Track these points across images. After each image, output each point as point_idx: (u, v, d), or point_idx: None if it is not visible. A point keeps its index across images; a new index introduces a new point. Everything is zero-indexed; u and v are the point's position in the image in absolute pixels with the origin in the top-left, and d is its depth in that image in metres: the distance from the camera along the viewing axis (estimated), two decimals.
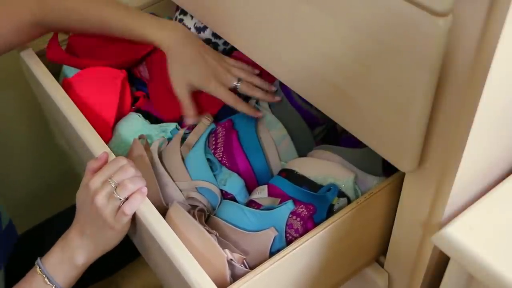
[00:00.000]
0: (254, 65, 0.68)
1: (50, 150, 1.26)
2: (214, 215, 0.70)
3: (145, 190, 0.64)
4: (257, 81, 0.81)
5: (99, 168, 0.67)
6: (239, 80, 0.80)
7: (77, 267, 0.68)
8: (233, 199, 0.72)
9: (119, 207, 0.64)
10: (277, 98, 0.80)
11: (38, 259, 0.69)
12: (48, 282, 0.67)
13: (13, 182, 1.25)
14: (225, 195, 0.72)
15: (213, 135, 0.76)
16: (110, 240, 0.67)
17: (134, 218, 0.66)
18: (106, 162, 0.68)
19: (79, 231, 0.67)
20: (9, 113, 1.16)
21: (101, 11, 0.81)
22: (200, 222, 0.65)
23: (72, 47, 0.93)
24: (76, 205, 0.68)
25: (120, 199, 0.63)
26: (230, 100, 0.78)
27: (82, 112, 0.77)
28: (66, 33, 0.91)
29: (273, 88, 0.81)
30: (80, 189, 0.68)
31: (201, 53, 0.80)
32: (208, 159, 0.73)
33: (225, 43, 0.92)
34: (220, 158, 0.74)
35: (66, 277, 0.68)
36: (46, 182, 1.32)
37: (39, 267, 0.68)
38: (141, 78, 0.92)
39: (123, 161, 0.66)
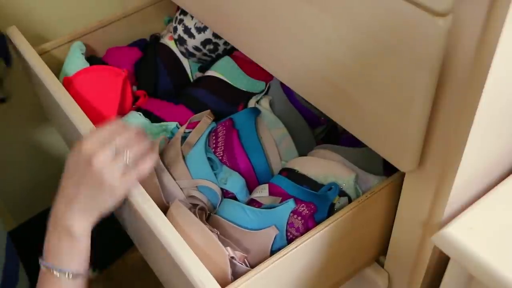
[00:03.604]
0: (253, 64, 0.68)
1: (46, 144, 1.27)
2: (215, 213, 0.70)
3: (155, 154, 0.59)
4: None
5: None
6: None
7: (79, 240, 0.62)
8: (234, 198, 0.72)
9: (125, 171, 0.59)
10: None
11: (39, 259, 0.65)
12: (59, 275, 0.62)
13: (9, 175, 1.26)
14: (225, 194, 0.73)
15: (214, 134, 0.77)
16: (106, 204, 0.61)
17: (135, 215, 0.66)
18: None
19: (66, 202, 0.61)
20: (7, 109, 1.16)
21: None
22: (201, 221, 0.65)
23: None
24: (64, 173, 0.61)
25: (126, 161, 0.58)
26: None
27: (83, 111, 0.77)
28: None
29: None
30: (71, 153, 0.61)
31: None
32: (208, 158, 0.74)
33: (225, 43, 0.93)
34: (220, 157, 0.74)
35: (74, 256, 0.62)
36: (42, 176, 1.32)
37: (44, 266, 0.64)
38: None
39: (119, 122, 0.60)
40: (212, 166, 0.73)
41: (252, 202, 0.70)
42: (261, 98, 0.84)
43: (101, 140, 0.59)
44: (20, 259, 0.88)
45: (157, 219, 0.62)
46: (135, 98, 0.89)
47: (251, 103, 0.84)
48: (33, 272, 0.92)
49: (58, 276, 0.62)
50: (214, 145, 0.75)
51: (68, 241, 0.62)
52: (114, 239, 0.97)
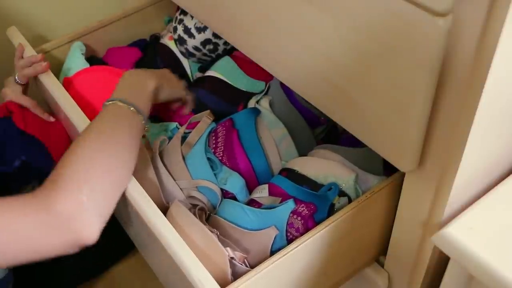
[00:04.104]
0: (253, 64, 0.69)
1: None
2: (215, 214, 0.70)
3: None
4: None
5: None
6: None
7: (149, 91, 0.73)
8: (234, 198, 0.72)
9: None
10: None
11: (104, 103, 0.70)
12: (125, 105, 0.68)
13: None
14: (225, 194, 0.73)
15: (213, 134, 0.77)
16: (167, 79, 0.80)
17: (135, 216, 0.66)
18: None
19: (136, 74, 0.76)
20: None
21: None
22: (201, 221, 0.65)
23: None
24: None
25: None
26: None
27: (83, 111, 0.77)
28: None
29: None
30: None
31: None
32: (208, 158, 0.74)
33: (225, 43, 0.93)
34: (220, 157, 0.74)
35: (143, 98, 0.72)
36: None
37: (109, 101, 0.69)
38: None
39: None
40: (212, 167, 0.73)
41: (252, 203, 0.70)
42: (261, 98, 0.84)
43: None
44: None
45: (157, 220, 0.62)
46: None
47: (251, 103, 0.84)
48: (30, 271, 0.92)
49: (122, 105, 0.68)
50: (214, 145, 0.75)
51: (140, 88, 0.73)
52: (116, 242, 0.97)
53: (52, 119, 0.89)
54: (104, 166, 0.61)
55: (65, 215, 0.56)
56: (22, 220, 0.56)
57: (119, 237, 0.89)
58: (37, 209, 0.56)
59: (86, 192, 0.58)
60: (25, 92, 0.90)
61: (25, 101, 0.88)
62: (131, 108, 0.68)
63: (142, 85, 0.74)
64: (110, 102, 0.69)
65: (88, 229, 0.58)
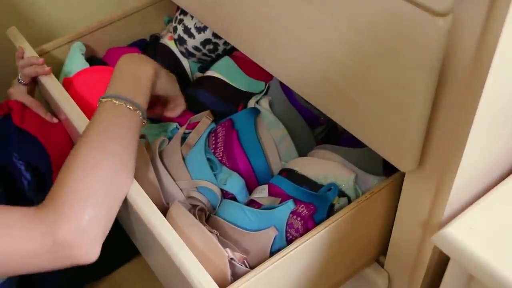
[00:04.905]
0: (253, 64, 0.69)
1: None
2: (215, 214, 0.70)
3: None
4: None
5: None
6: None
7: (144, 79, 0.71)
8: (234, 198, 0.72)
9: None
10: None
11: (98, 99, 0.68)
12: (120, 102, 0.66)
13: None
14: (225, 195, 0.72)
15: (213, 134, 0.77)
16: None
17: (135, 217, 0.66)
18: None
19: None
20: None
21: None
22: (201, 222, 0.65)
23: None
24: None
25: None
26: None
27: (83, 111, 0.77)
28: None
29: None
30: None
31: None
32: (208, 159, 0.73)
33: (225, 43, 0.93)
34: (220, 158, 0.74)
35: (138, 90, 0.69)
36: None
37: (104, 98, 0.67)
38: None
39: None
40: (211, 167, 0.73)
41: (252, 203, 0.70)
42: (260, 98, 0.84)
43: None
44: None
45: (156, 221, 0.62)
46: None
47: (251, 103, 0.84)
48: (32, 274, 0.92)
49: (118, 103, 0.66)
50: (213, 146, 0.75)
51: (137, 77, 0.71)
52: (120, 246, 0.97)
53: (55, 120, 0.89)
54: (105, 176, 0.61)
55: (67, 243, 0.57)
56: (26, 241, 0.56)
57: (123, 242, 0.89)
58: (41, 234, 0.56)
59: (88, 213, 0.58)
60: (30, 92, 0.90)
61: (28, 101, 0.88)
62: (128, 106, 0.66)
63: (139, 73, 0.71)
64: (106, 100, 0.67)
65: (88, 255, 0.58)
